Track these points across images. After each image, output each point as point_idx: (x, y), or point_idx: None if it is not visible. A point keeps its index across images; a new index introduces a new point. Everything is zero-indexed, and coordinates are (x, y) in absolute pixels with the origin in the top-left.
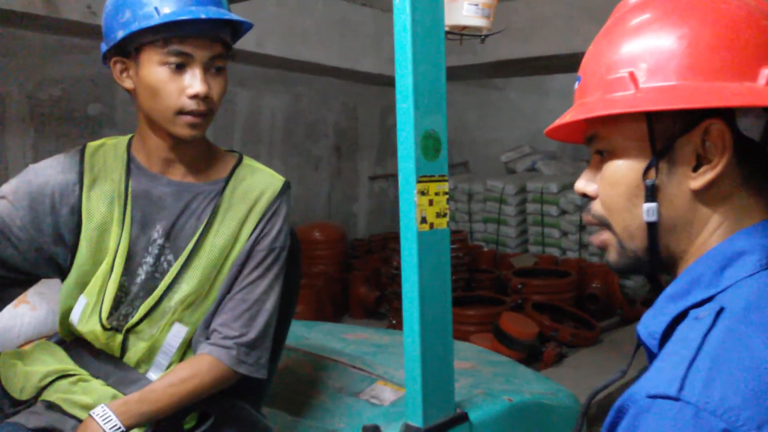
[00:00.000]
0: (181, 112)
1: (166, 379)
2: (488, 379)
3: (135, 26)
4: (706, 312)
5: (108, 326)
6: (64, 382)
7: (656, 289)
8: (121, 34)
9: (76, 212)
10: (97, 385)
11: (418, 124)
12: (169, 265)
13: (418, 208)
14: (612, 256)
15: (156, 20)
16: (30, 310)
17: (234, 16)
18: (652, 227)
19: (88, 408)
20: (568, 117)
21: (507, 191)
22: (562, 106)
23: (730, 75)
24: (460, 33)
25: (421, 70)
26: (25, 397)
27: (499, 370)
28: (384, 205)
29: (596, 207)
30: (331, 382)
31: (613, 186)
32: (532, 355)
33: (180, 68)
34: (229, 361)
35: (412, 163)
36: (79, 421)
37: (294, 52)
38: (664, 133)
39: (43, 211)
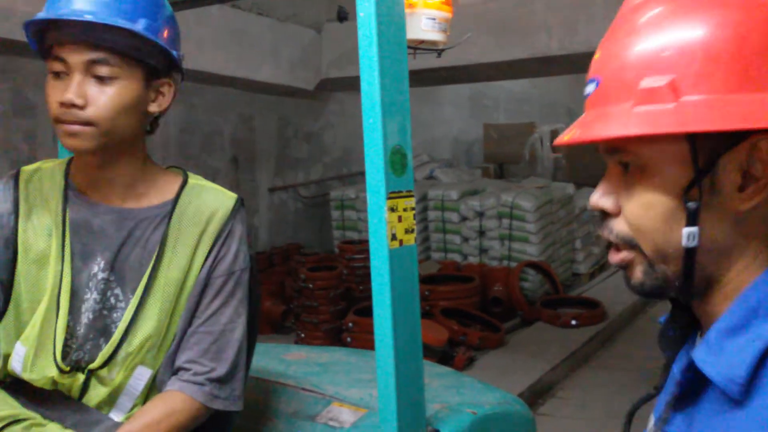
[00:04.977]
0: (56, 120)
1: (141, 420)
2: (441, 392)
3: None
4: None
5: (63, 369)
6: (16, 428)
7: (676, 312)
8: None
9: (12, 246)
10: (55, 429)
11: (386, 139)
12: (117, 299)
13: (389, 225)
14: (636, 276)
15: (27, 25)
16: None
17: (103, 19)
18: (690, 252)
19: None
20: (596, 131)
21: None
22: (455, 116)
23: None
24: (417, 47)
25: (387, 84)
26: None
27: (447, 382)
28: (285, 217)
29: (620, 226)
30: (283, 407)
31: (647, 207)
32: (443, 361)
33: (62, 76)
34: (203, 398)
35: (382, 180)
36: None
37: (188, 61)
38: (705, 150)
39: None
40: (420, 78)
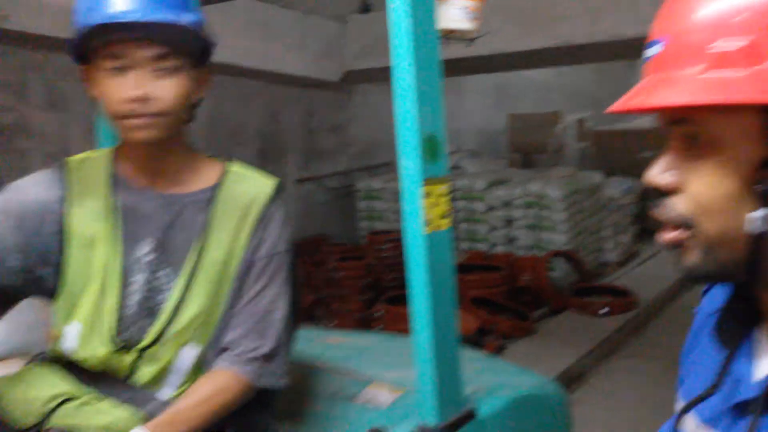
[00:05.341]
0: (124, 116)
1: (191, 398)
2: (478, 375)
3: (75, 35)
4: None
5: (114, 349)
6: (70, 406)
7: (736, 303)
8: (71, 43)
9: (62, 231)
10: (109, 407)
11: (420, 126)
12: (164, 281)
13: (423, 211)
14: (691, 258)
15: (83, 24)
16: None
17: (160, 17)
18: (757, 237)
19: (104, 431)
20: (660, 98)
21: None
22: (480, 106)
23: None
24: (448, 37)
25: (421, 73)
26: (27, 424)
27: (482, 365)
28: (312, 208)
29: (680, 205)
30: (322, 388)
31: (712, 186)
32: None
33: (122, 72)
34: (250, 376)
35: (417, 166)
36: None
37: (214, 54)
38: None
39: (28, 231)
40: (444, 68)
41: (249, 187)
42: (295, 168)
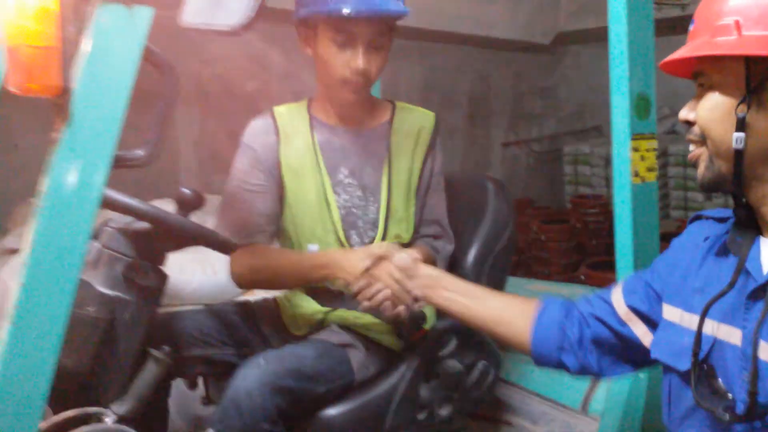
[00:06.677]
0: (344, 80)
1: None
2: None
3: (313, 11)
4: None
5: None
6: (331, 315)
7: (740, 217)
8: (303, 12)
9: (279, 165)
10: (340, 316)
11: (631, 86)
12: (360, 199)
13: (632, 163)
14: (701, 170)
15: (326, 12)
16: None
17: (391, 9)
18: (738, 153)
19: (369, 326)
20: (677, 54)
21: None
22: None
23: None
24: (662, 2)
25: (634, 35)
26: (300, 333)
27: None
28: (517, 172)
29: (695, 130)
30: None
31: (710, 110)
32: None
33: (345, 44)
34: (433, 252)
35: (627, 123)
36: (368, 339)
37: (430, 22)
38: (757, 75)
39: (266, 169)
40: (663, 27)
41: (415, 118)
42: (502, 131)
